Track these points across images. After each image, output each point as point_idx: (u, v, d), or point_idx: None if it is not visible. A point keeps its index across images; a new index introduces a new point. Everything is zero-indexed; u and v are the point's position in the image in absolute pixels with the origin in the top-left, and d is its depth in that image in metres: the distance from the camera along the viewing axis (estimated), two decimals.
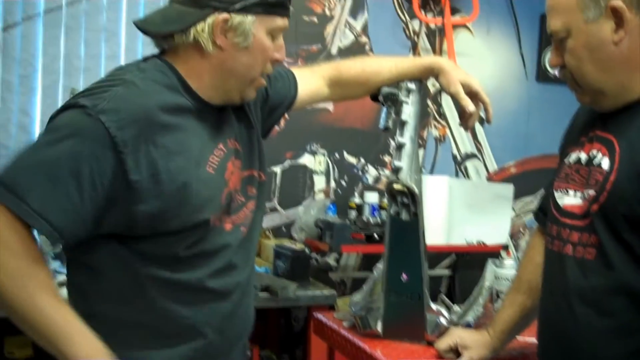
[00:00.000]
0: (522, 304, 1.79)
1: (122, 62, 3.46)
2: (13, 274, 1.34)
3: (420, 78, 1.95)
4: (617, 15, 1.43)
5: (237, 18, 1.49)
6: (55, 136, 1.40)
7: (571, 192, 1.55)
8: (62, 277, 2.68)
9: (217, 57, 1.52)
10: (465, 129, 1.96)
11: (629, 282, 1.42)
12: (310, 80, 1.91)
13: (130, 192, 1.40)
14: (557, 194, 1.60)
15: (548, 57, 1.59)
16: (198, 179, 1.48)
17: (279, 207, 4.14)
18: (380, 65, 1.96)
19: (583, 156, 1.56)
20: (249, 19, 1.49)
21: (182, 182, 1.45)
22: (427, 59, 2.24)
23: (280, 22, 1.54)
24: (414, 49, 4.46)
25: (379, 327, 1.98)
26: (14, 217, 1.34)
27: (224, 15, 1.47)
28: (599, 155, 1.50)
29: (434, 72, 1.92)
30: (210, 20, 1.48)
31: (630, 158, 1.43)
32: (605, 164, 1.47)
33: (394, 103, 1.93)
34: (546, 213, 1.71)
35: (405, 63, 1.97)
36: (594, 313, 1.46)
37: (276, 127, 1.92)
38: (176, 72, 1.53)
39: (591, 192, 1.48)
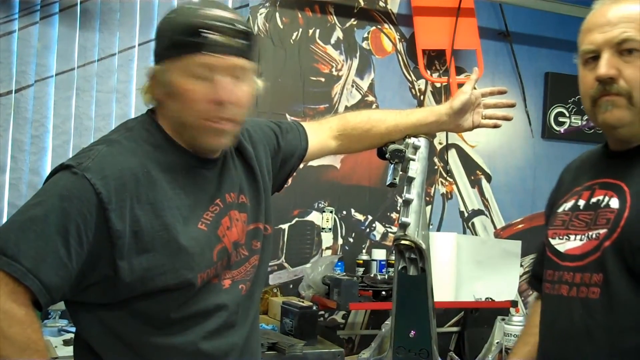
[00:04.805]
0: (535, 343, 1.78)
1: None
2: (22, 345, 1.34)
3: (423, 119, 1.98)
4: None
5: (157, 68, 1.50)
6: (42, 197, 1.43)
7: (572, 236, 1.58)
8: (70, 336, 2.67)
9: (161, 110, 1.55)
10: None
11: (636, 319, 1.44)
12: (319, 132, 1.94)
13: (112, 248, 1.41)
14: (554, 241, 1.63)
15: (600, 69, 1.51)
16: (185, 236, 1.48)
17: (286, 264, 4.13)
18: (385, 114, 1.99)
19: (582, 202, 1.60)
20: (165, 65, 1.48)
21: (166, 239, 1.46)
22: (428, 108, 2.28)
23: (197, 60, 1.45)
24: (420, 107, 4.50)
25: None
26: (8, 279, 1.34)
27: (151, 68, 1.51)
28: (606, 198, 1.53)
29: (435, 110, 2.00)
30: (148, 75, 1.53)
31: None
32: (615, 203, 1.50)
33: (401, 160, 1.94)
34: (539, 278, 1.76)
35: (409, 110, 2.03)
36: (604, 352, 1.47)
37: (289, 181, 1.94)
38: (161, 129, 1.55)
39: (601, 231, 1.50)
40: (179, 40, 1.46)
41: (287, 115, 4.08)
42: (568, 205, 1.64)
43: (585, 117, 4.65)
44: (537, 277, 1.79)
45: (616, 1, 1.56)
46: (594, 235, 1.52)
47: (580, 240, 1.55)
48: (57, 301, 1.43)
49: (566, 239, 1.59)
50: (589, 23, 1.58)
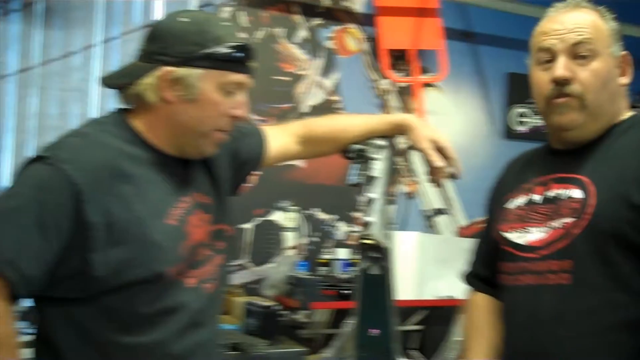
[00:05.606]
0: (489, 335, 1.79)
1: None
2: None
3: (389, 135, 1.97)
4: (626, 63, 1.63)
5: (181, 71, 1.50)
6: (18, 188, 1.43)
7: (532, 229, 1.62)
8: (28, 338, 2.63)
9: (165, 110, 1.54)
10: (434, 184, 1.98)
11: (610, 300, 1.49)
12: (280, 138, 1.92)
13: (86, 240, 1.41)
14: (511, 235, 1.67)
15: (557, 70, 1.57)
16: (156, 230, 1.49)
17: (249, 264, 4.13)
18: (350, 122, 1.97)
19: (537, 197, 1.65)
20: (194, 72, 1.50)
21: (138, 232, 1.46)
22: (395, 116, 2.27)
23: (233, 77, 1.54)
24: (384, 107, 4.53)
25: None
26: None
27: (168, 68, 1.50)
28: (565, 191, 1.59)
29: (403, 129, 1.94)
30: (155, 73, 1.51)
31: (606, 184, 1.53)
32: (577, 194, 1.56)
33: (364, 159, 1.94)
34: (481, 277, 1.82)
35: (375, 120, 1.98)
36: (577, 334, 1.51)
37: (247, 184, 1.93)
38: (130, 125, 1.55)
39: (567, 220, 1.55)
40: (218, 55, 1.51)
41: (251, 115, 4.07)
42: (519, 200, 1.69)
43: None
44: (479, 276, 1.84)
45: (571, 9, 1.64)
46: (557, 225, 1.57)
47: (542, 231, 1.59)
48: (32, 295, 1.44)
49: (525, 231, 1.64)
50: (544, 27, 1.65)
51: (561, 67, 1.58)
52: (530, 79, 1.67)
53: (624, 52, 1.64)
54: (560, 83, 1.58)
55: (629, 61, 1.64)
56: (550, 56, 1.60)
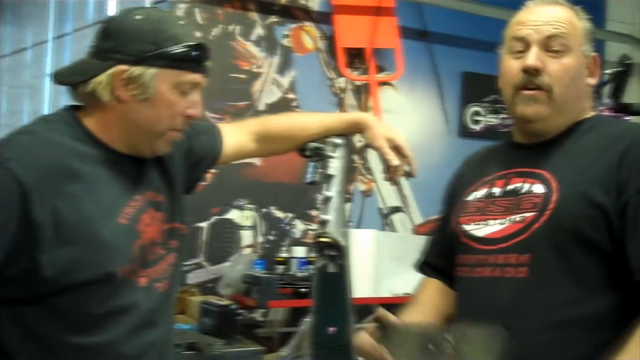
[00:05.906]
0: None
1: None
2: None
3: (346, 133, 1.97)
4: (595, 64, 1.67)
5: (136, 70, 1.48)
6: None
7: (491, 221, 1.63)
8: None
9: (119, 109, 1.52)
10: (390, 182, 1.99)
11: (566, 295, 1.51)
12: (236, 135, 1.92)
13: (33, 240, 1.39)
14: (469, 227, 1.68)
15: (529, 59, 1.58)
16: (107, 229, 1.47)
17: (205, 263, 4.10)
18: (307, 120, 1.97)
19: (497, 190, 1.67)
20: (149, 71, 1.49)
21: (88, 231, 1.44)
22: (352, 114, 2.27)
23: (188, 77, 1.53)
24: (341, 105, 4.53)
25: None
26: None
27: (123, 67, 1.48)
28: (526, 185, 1.60)
29: (359, 128, 1.94)
30: (110, 72, 1.48)
31: (569, 181, 1.55)
32: (539, 189, 1.57)
33: (321, 157, 1.94)
34: (433, 266, 1.85)
35: (332, 119, 1.98)
36: (533, 327, 1.52)
37: (202, 182, 1.92)
38: (81, 123, 1.53)
39: (528, 214, 1.56)
40: (174, 54, 1.50)
41: (207, 113, 4.04)
42: (479, 193, 1.70)
43: (501, 116, 4.78)
44: (432, 265, 1.87)
45: (549, 4, 1.67)
46: (518, 219, 1.58)
47: (501, 224, 1.60)
48: None
49: (484, 224, 1.65)
50: (521, 17, 1.67)
51: (533, 56, 1.60)
52: (500, 68, 1.69)
53: (594, 54, 1.67)
54: (530, 73, 1.60)
55: (598, 63, 1.68)
56: (523, 46, 1.62)
